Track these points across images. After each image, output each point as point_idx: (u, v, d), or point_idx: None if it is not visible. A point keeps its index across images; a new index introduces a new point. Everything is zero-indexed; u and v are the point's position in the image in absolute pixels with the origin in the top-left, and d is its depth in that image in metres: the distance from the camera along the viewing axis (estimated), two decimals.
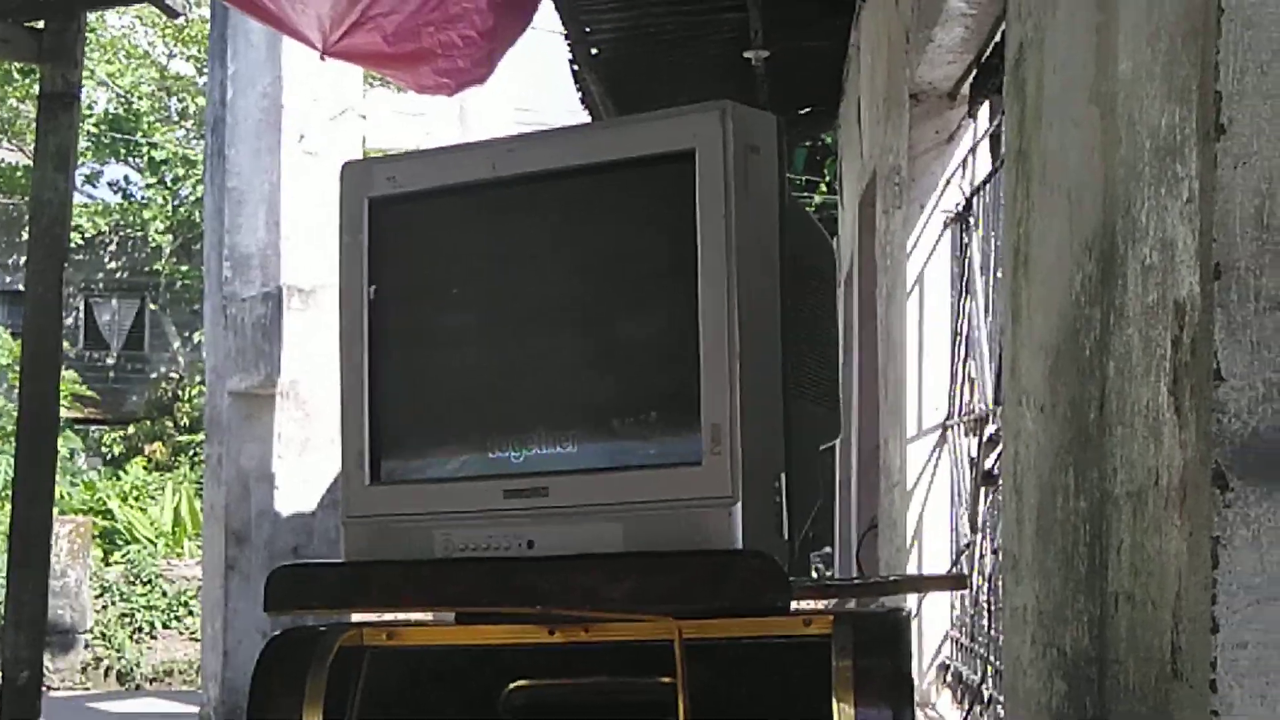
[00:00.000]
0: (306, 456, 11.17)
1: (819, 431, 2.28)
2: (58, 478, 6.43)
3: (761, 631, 2.07)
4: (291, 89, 11.52)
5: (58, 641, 16.29)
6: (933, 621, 5.01)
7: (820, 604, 2.24)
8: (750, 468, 1.99)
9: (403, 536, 2.18)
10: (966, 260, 4.73)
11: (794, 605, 2.06)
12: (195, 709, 12.78)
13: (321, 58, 5.72)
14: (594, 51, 7.78)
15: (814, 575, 2.44)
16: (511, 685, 2.12)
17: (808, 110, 9.71)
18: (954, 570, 4.57)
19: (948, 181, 4.97)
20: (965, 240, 4.79)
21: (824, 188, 14.29)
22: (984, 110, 4.70)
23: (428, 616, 2.32)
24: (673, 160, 2.04)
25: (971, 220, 4.69)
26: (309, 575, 2.21)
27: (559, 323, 2.16)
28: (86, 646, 17.10)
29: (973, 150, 4.79)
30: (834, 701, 1.89)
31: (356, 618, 2.25)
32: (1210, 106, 1.62)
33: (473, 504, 2.14)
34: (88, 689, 16.57)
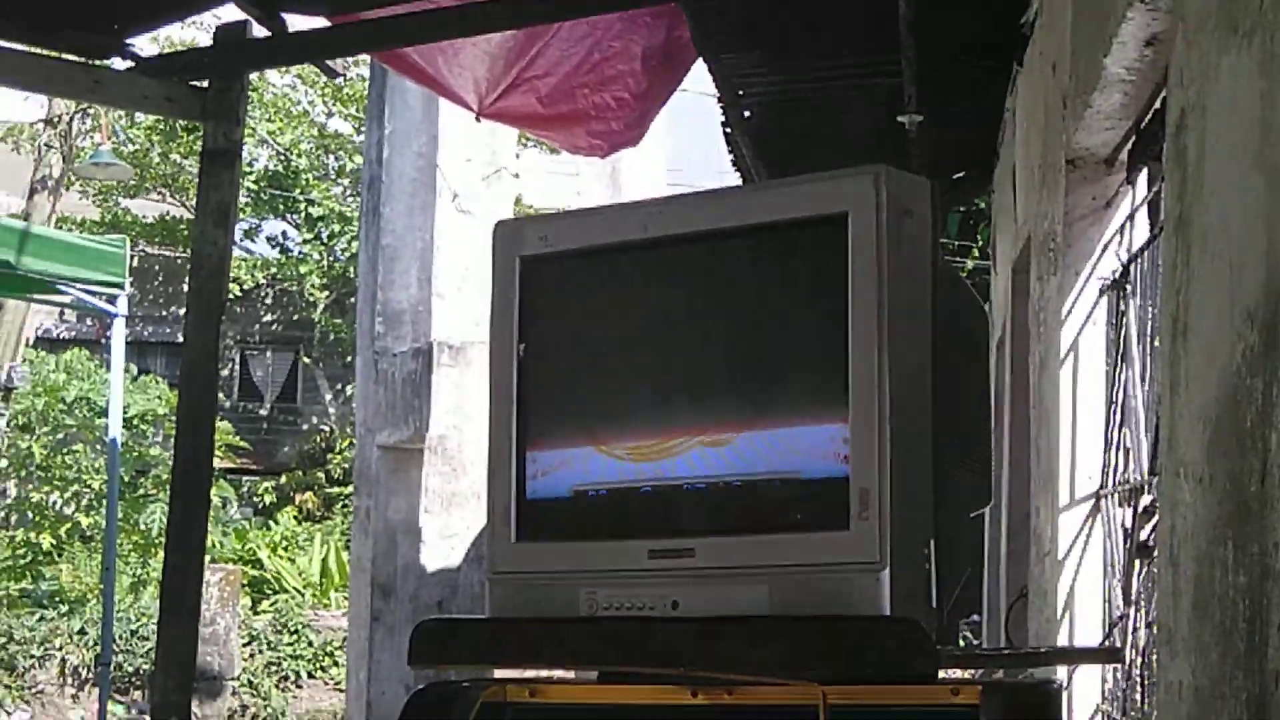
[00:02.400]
0: (452, 511, 11.26)
1: (970, 499, 2.26)
2: (210, 527, 6.54)
3: (908, 700, 2.04)
4: (446, 149, 11.69)
5: (205, 688, 16.54)
6: (1083, 695, 4.91)
7: (968, 673, 2.21)
8: (899, 533, 1.97)
9: (547, 594, 2.19)
10: (1122, 328, 4.66)
11: (941, 674, 2.03)
12: None
13: (477, 119, 5.81)
14: (746, 114, 7.80)
15: (962, 644, 2.41)
16: None
17: (961, 175, 9.64)
18: (1106, 643, 4.48)
19: (1104, 248, 4.90)
20: (1121, 308, 4.71)
21: (976, 253, 14.20)
22: (1142, 177, 4.64)
23: (571, 675, 2.32)
24: (826, 224, 2.04)
25: (1128, 287, 4.62)
26: (453, 630, 2.23)
27: (707, 384, 2.16)
28: (233, 694, 17.34)
29: (1130, 217, 4.72)
30: None
31: (499, 674, 2.26)
32: None
33: (618, 563, 2.15)
34: None
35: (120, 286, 8.41)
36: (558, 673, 2.28)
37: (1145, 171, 4.60)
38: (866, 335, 1.99)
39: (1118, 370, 4.69)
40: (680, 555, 2.09)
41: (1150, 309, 4.28)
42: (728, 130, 8.07)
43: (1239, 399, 2.23)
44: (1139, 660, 4.09)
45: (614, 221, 2.27)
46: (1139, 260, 4.48)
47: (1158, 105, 4.06)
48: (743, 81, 7.36)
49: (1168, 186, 2.98)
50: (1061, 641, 4.88)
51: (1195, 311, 2.60)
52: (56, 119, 24.34)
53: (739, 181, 8.60)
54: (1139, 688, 4.06)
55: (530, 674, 2.25)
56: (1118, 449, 4.64)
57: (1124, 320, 4.67)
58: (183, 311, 6.49)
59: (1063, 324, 5.06)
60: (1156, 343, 3.94)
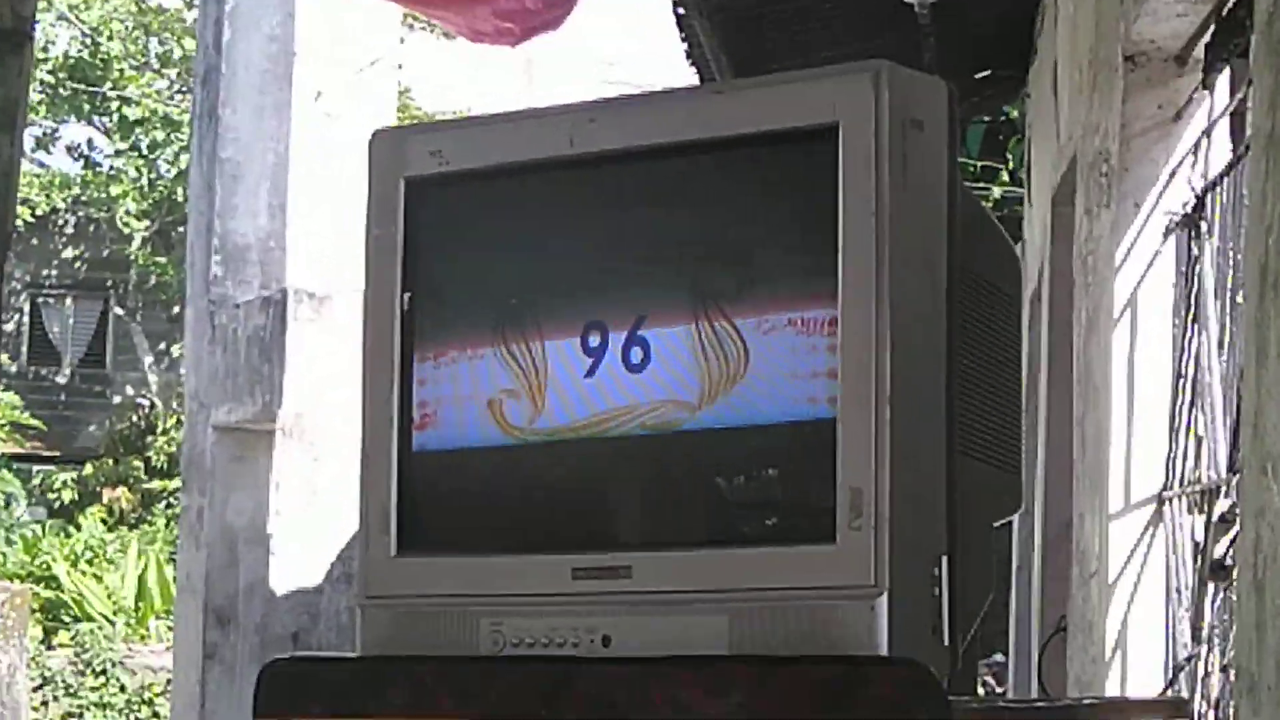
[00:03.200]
0: (314, 513, 11.23)
1: (993, 502, 2.27)
2: None
3: None
4: (307, 32, 11.62)
5: None
6: None
7: None
8: (901, 547, 1.99)
9: (438, 624, 2.19)
10: (1196, 278, 4.69)
11: None
12: None
13: None
14: None
15: (982, 692, 2.42)
16: None
17: (986, 74, 9.68)
18: (1170, 692, 4.52)
19: (1173, 173, 4.93)
20: (1195, 252, 4.74)
21: (1006, 176, 14.26)
22: (1223, 80, 4.67)
23: None
24: (809, 139, 2.05)
25: (1203, 225, 4.65)
26: (314, 672, 2.22)
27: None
28: None
29: (1207, 133, 4.75)
30: None
31: None
32: None
33: (532, 585, 2.15)
34: None
35: None
36: None
37: (1227, 73, 4.62)
38: (859, 288, 2.00)
39: (1188, 334, 4.72)
40: (614, 575, 2.10)
41: (1232, 253, 4.31)
42: (681, 11, 8.06)
43: None
44: (1211, 714, 4.13)
45: (530, 134, 2.26)
46: (1218, 189, 4.51)
47: None
48: None
49: (1256, 93, 3.00)
50: (1111, 689, 4.92)
51: None
52: None
53: (696, 81, 8.60)
54: None
55: None
56: (1188, 438, 4.67)
57: (1197, 268, 4.70)
58: None
59: (1117, 272, 5.09)
60: (1239, 298, 3.97)
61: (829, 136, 2.03)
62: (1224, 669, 4.02)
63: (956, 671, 2.10)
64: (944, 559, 2.06)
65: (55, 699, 17.66)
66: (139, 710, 17.83)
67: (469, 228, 2.30)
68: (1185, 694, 4.33)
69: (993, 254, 2.33)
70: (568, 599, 2.13)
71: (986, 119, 13.34)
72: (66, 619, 19.05)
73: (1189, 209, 4.82)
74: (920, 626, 2.02)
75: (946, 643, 2.06)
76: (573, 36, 6.71)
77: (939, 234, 2.08)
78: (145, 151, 27.74)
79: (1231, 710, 3.52)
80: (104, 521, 22.69)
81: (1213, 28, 4.59)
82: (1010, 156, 13.91)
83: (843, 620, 1.99)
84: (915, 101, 2.07)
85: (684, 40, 8.47)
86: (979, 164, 14.28)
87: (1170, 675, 4.66)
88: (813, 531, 2.01)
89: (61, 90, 27.56)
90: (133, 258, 27.90)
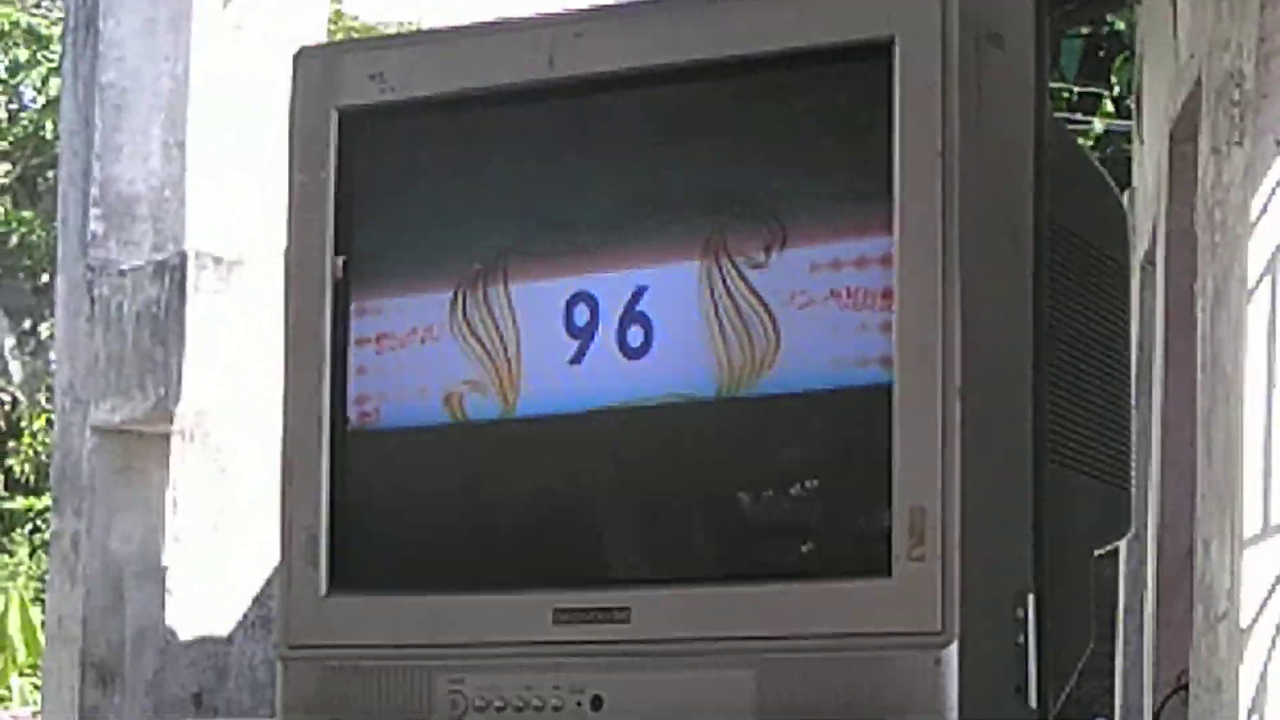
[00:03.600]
0: (222, 539, 11.26)
1: (1094, 524, 2.28)
2: None
3: None
4: None
5: None
6: None
7: None
8: (974, 583, 1.99)
9: (381, 683, 2.20)
10: None
11: None
12: None
13: None
14: None
15: None
16: None
17: None
18: None
19: None
20: None
21: (1110, 106, 14.28)
22: None
23: None
24: (859, 57, 2.06)
25: None
26: None
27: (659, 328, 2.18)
28: None
29: None
30: None
31: None
32: None
33: (503, 632, 2.16)
34: None
35: None
36: None
37: None
38: (921, 244, 2.00)
39: None
40: (606, 619, 2.11)
41: None
42: None
43: None
44: None
45: (499, 52, 2.26)
46: None
47: None
48: None
49: None
50: None
51: None
52: None
53: None
54: None
55: None
56: None
57: None
58: None
59: (1254, 227, 5.11)
60: None
61: (882, 55, 2.04)
62: None
63: None
64: (1030, 597, 2.07)
65: None
66: None
67: (420, 172, 2.30)
68: None
69: (1092, 206, 2.34)
70: (548, 649, 2.14)
71: (1085, 31, 13.36)
72: None
73: None
74: (1000, 684, 2.03)
75: (1034, 704, 2.07)
76: None
77: (1022, 180, 2.09)
78: (4, 75, 27.82)
79: None
80: None
81: None
82: (1116, 80, 13.92)
83: (899, 674, 2.00)
84: (992, 9, 2.07)
85: None
86: (1076, 90, 14.30)
87: None
88: (862, 562, 2.02)
89: None
90: None
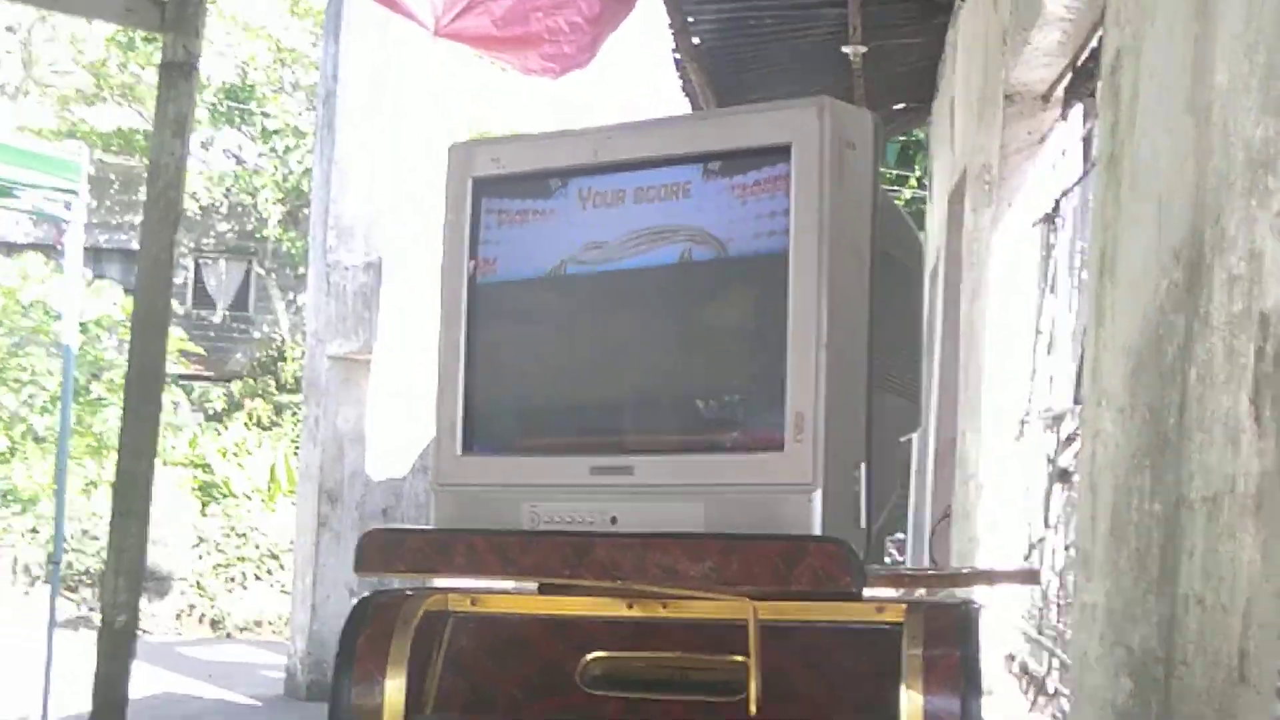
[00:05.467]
0: (399, 422, 11.24)
1: (900, 423, 2.27)
2: (162, 431, 6.50)
3: (835, 616, 2.06)
4: (400, 67, 11.59)
5: (154, 587, 16.53)
6: (1003, 614, 4.98)
7: (893, 592, 2.23)
8: (831, 455, 1.98)
9: (490, 506, 2.19)
10: (1052, 260, 4.68)
11: (868, 592, 2.05)
12: (283, 659, 12.92)
13: (433, 38, 5.76)
14: (695, 41, 7.77)
15: (888, 563, 2.42)
16: (589, 656, 2.13)
17: (902, 106, 9.64)
18: (1026, 565, 4.53)
19: (1037, 182, 4.92)
20: (1052, 241, 4.74)
21: (914, 182, 14.22)
22: (1077, 113, 4.65)
23: (510, 585, 2.33)
24: (770, 154, 2.03)
25: (1059, 221, 4.64)
26: (399, 539, 2.22)
27: (652, 305, 2.16)
28: (181, 594, 17.33)
29: (1063, 152, 4.74)
30: (903, 689, 1.88)
31: (442, 583, 2.26)
32: None
33: (560, 478, 2.15)
34: (180, 635, 16.80)
35: (76, 193, 8.30)
36: (499, 583, 2.29)
37: (1080, 108, 4.61)
38: (807, 262, 1.99)
39: (1045, 301, 4.72)
40: (620, 472, 2.09)
41: (1079, 243, 4.31)
42: (677, 57, 8.03)
43: (1161, 334, 2.25)
44: (1056, 582, 4.14)
45: (563, 146, 2.24)
46: (1070, 195, 4.50)
47: (1094, 44, 4.06)
48: (693, 8, 7.31)
49: (1101, 124, 2.99)
50: (983, 562, 4.94)
51: (1123, 247, 2.62)
52: (16, 26, 23.97)
53: (688, 109, 8.57)
54: (1055, 608, 4.11)
55: (473, 584, 2.25)
56: (1043, 377, 4.67)
57: (1053, 252, 4.69)
58: (139, 220, 6.42)
59: (994, 254, 5.08)
60: (1083, 275, 3.97)
61: (785, 152, 2.03)
62: (1066, 548, 4.02)
63: (870, 548, 2.10)
64: (863, 465, 2.06)
65: (208, 554, 17.70)
66: (269, 564, 17.87)
67: (521, 214, 2.28)
68: (1037, 566, 4.34)
69: (904, 241, 2.32)
70: (587, 489, 2.13)
71: (901, 138, 13.30)
72: (217, 496, 19.08)
73: (1049, 209, 4.80)
74: (844, 514, 2.02)
75: (863, 526, 2.06)
76: (596, 74, 6.67)
77: (865, 226, 2.07)
78: (280, 153, 27.66)
79: (1070, 578, 3.53)
80: (246, 425, 22.69)
81: (1070, 74, 4.57)
82: (918, 167, 13.87)
83: (788, 508, 1.98)
84: (849, 127, 2.05)
85: (680, 79, 8.44)
86: (895, 172, 14.23)
87: (1026, 552, 4.67)
88: (768, 443, 2.01)
89: (219, 108, 27.46)
90: (269, 232, 27.83)
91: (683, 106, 8.77)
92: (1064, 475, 4.12)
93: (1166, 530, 2.15)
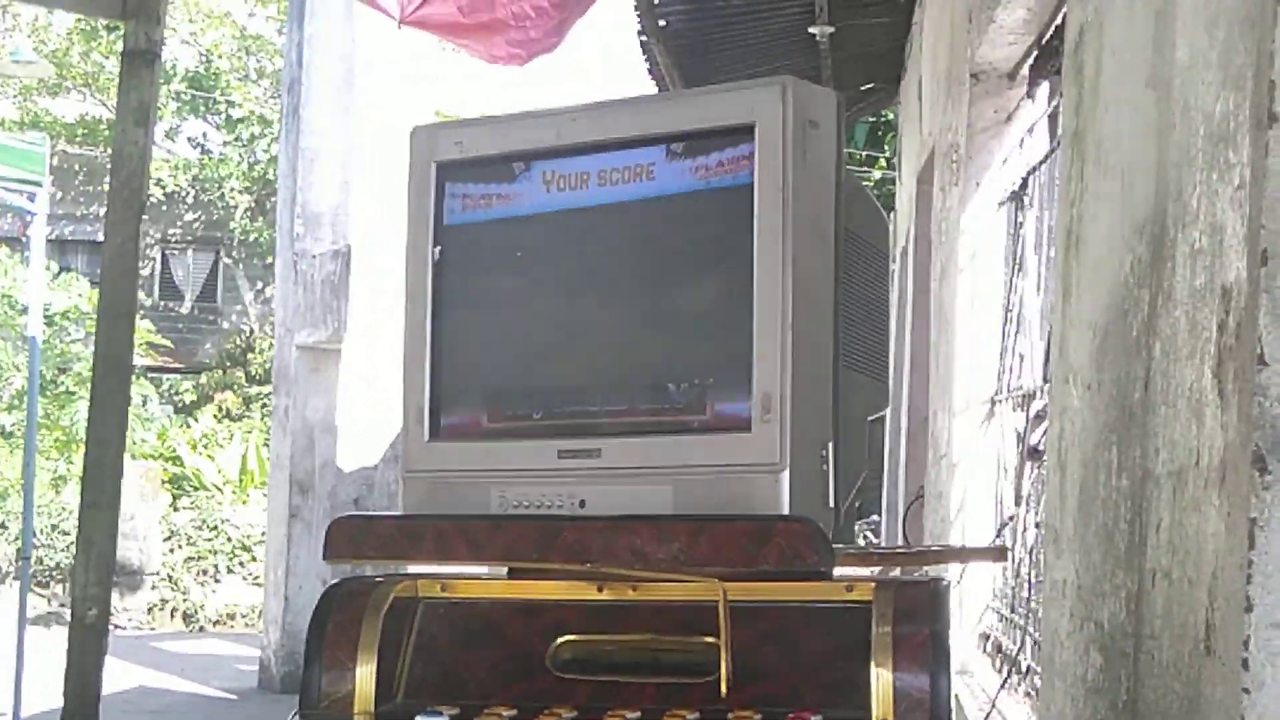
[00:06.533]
0: (370, 411, 11.23)
1: (868, 402, 2.28)
2: (131, 424, 6.46)
3: (804, 596, 2.07)
4: (366, 54, 11.56)
5: (126, 582, 16.50)
6: (974, 592, 5.00)
7: (864, 571, 2.24)
8: (798, 436, 1.99)
9: (459, 492, 2.19)
10: (1020, 238, 4.70)
11: (838, 572, 2.06)
12: (256, 651, 12.90)
13: (399, 26, 5.75)
14: (662, 23, 7.76)
15: (859, 543, 2.43)
16: (559, 640, 2.13)
17: (870, 87, 9.66)
18: (997, 542, 4.55)
19: (1005, 161, 4.94)
20: (1020, 219, 4.75)
21: (884, 162, 14.23)
22: (1043, 91, 4.67)
23: (481, 571, 2.33)
24: (735, 132, 2.04)
25: (1026, 199, 4.65)
26: (368, 526, 2.22)
27: (617, 289, 2.16)
28: (153, 588, 17.29)
29: (1030, 130, 4.75)
30: (873, 666, 1.89)
31: (412, 569, 2.27)
32: (1265, 95, 1.61)
33: (528, 463, 2.15)
34: (153, 629, 16.76)
35: (39, 184, 8.27)
36: (469, 569, 2.29)
37: (1046, 86, 4.63)
38: (770, 243, 2.00)
39: (1014, 279, 4.74)
40: (588, 455, 2.10)
41: (1046, 220, 4.32)
42: (644, 38, 8.03)
43: (1126, 309, 2.26)
44: (1027, 559, 4.17)
45: (527, 129, 2.24)
46: (1037, 173, 4.51)
47: (1059, 21, 4.08)
48: None
49: (1065, 101, 3.01)
50: (955, 541, 4.96)
51: (1088, 224, 2.63)
52: None
53: (654, 90, 8.56)
54: (1026, 585, 4.14)
55: (443, 570, 2.26)
56: (1013, 356, 4.69)
57: (1021, 231, 4.71)
58: (104, 211, 6.39)
59: (963, 233, 5.10)
60: (1050, 253, 3.98)
61: (748, 132, 2.03)
62: (1036, 525, 4.04)
63: (839, 527, 2.11)
64: (830, 444, 2.07)
65: (180, 547, 17.66)
66: (241, 556, 17.83)
67: (481, 194, 2.28)
68: (1008, 543, 4.37)
69: (870, 221, 2.33)
70: (555, 473, 2.13)
71: (870, 119, 13.31)
72: (188, 489, 19.03)
73: (1016, 187, 4.82)
74: (812, 494, 2.03)
75: (831, 505, 2.07)
76: (562, 58, 6.67)
77: (829, 206, 2.08)
78: (246, 142, 27.57)
79: (1041, 555, 3.55)
80: (216, 416, 22.64)
81: (1035, 53, 4.58)
82: (887, 147, 13.89)
83: (755, 489, 1.99)
84: (813, 107, 2.06)
85: (646, 60, 8.43)
86: (864, 153, 14.24)
87: (997, 530, 4.69)
88: (735, 424, 2.02)
89: (183, 96, 27.35)
90: (236, 224, 27.73)
91: (650, 90, 8.77)
92: (1034, 453, 4.14)
93: (1133, 505, 2.17)
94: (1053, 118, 4.45)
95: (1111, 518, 2.31)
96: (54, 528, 16.60)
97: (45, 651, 8.07)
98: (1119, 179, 2.38)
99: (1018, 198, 4.79)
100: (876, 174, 14.20)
